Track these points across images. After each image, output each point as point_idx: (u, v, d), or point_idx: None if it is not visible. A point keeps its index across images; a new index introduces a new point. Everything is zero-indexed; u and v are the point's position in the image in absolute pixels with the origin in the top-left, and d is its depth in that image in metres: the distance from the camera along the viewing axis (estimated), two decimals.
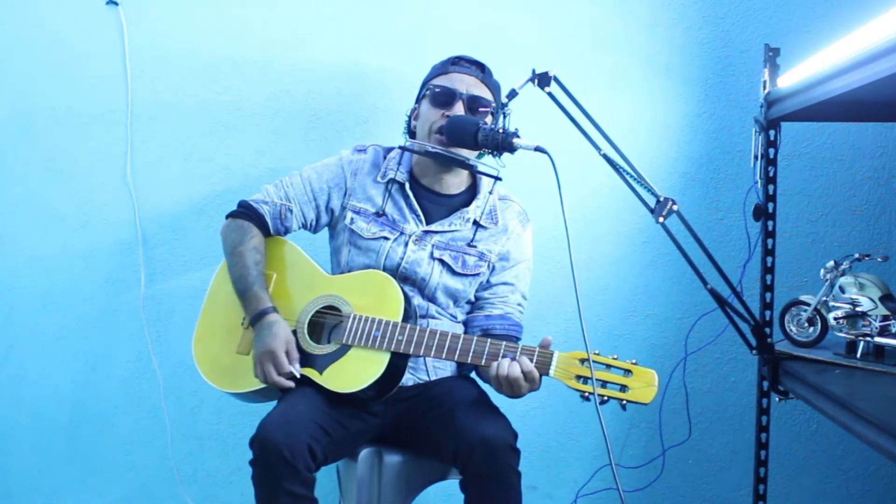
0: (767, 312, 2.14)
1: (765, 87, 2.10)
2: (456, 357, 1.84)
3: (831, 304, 1.98)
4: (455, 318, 2.06)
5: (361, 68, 2.49)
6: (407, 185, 2.04)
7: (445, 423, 1.85)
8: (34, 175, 2.52)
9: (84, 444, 2.56)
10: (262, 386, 1.92)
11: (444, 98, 1.99)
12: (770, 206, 2.12)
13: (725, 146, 2.50)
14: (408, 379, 2.00)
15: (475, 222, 2.04)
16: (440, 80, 2.02)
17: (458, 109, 1.98)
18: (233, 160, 2.50)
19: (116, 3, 2.46)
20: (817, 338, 2.01)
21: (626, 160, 1.81)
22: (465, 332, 2.05)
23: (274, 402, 1.93)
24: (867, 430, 1.55)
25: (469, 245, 2.03)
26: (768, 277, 2.14)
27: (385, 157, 2.09)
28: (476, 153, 2.02)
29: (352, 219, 2.03)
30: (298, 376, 1.88)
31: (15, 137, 2.51)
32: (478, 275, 2.04)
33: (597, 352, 1.74)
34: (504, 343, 1.83)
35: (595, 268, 2.52)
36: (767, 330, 2.09)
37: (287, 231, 2.07)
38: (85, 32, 2.48)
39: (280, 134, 2.50)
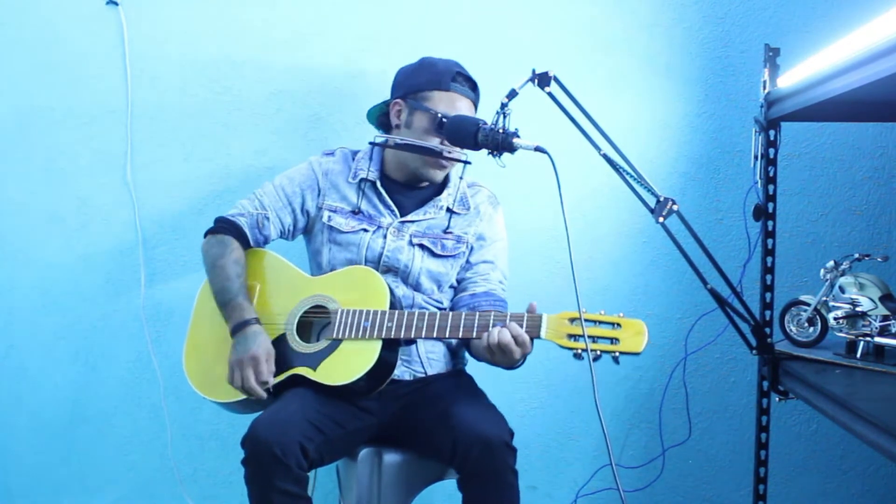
0: (767, 312, 2.14)
1: (765, 87, 2.10)
2: (447, 334, 1.85)
3: (831, 304, 1.98)
4: (441, 303, 2.08)
5: (361, 68, 2.49)
6: (378, 183, 2.06)
7: (442, 421, 1.85)
8: (34, 175, 2.52)
9: (84, 444, 2.56)
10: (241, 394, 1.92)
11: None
12: (770, 206, 2.12)
13: (725, 146, 2.50)
14: (403, 372, 2.01)
15: (448, 209, 2.08)
16: (441, 101, 1.99)
17: None
18: (233, 160, 2.50)
19: (116, 3, 2.46)
20: (817, 338, 2.02)
21: (626, 160, 1.81)
22: None
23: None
24: (867, 430, 1.55)
25: (445, 232, 2.06)
26: (768, 277, 2.14)
27: (353, 158, 2.11)
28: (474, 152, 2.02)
29: (329, 216, 2.05)
30: (272, 389, 1.89)
31: (15, 137, 2.51)
32: (457, 255, 2.06)
33: (584, 310, 1.74)
34: (493, 312, 1.84)
35: (595, 268, 2.52)
36: (767, 330, 2.09)
37: (266, 240, 2.09)
38: (85, 32, 2.48)
39: (280, 134, 2.50)
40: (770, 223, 2.13)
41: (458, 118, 1.93)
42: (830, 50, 1.83)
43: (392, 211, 2.06)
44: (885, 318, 1.88)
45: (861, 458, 2.54)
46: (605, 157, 1.80)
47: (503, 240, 2.14)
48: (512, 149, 1.82)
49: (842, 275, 1.98)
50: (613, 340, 1.75)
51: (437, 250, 2.04)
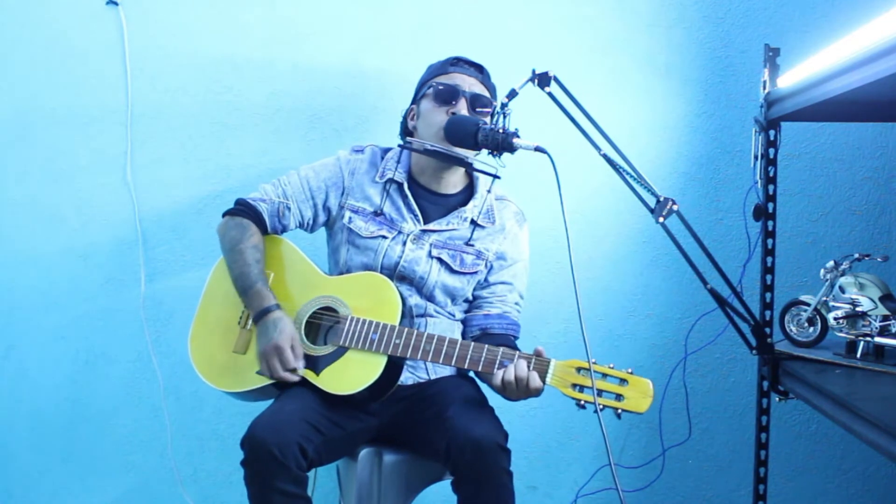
0: (767, 312, 2.14)
1: (765, 87, 2.10)
2: (453, 362, 1.85)
3: (831, 304, 1.98)
4: (453, 315, 2.06)
5: (361, 68, 2.49)
6: (405, 185, 2.04)
7: (437, 423, 1.85)
8: (34, 175, 2.52)
9: (83, 443, 2.56)
10: (258, 385, 1.92)
11: (448, 95, 1.99)
12: (770, 206, 2.12)
13: (725, 146, 2.50)
14: (407, 378, 2.00)
15: (472, 221, 2.05)
16: (442, 79, 2.03)
17: (462, 107, 1.98)
18: (233, 160, 2.50)
19: (116, 3, 2.46)
20: (817, 338, 2.02)
21: (626, 160, 1.81)
22: (464, 331, 2.06)
23: (269, 402, 1.93)
24: (867, 430, 1.55)
25: (467, 244, 2.03)
26: (768, 277, 2.14)
27: (382, 158, 2.09)
28: (475, 153, 2.02)
29: (350, 218, 2.03)
30: (302, 373, 1.88)
31: (15, 137, 2.51)
32: (475, 273, 2.04)
33: (594, 360, 1.75)
34: (502, 349, 1.83)
35: (595, 268, 2.52)
36: (767, 330, 2.09)
37: (284, 229, 2.07)
38: (85, 32, 2.48)
39: (280, 134, 2.50)
40: (770, 223, 2.13)
41: (458, 118, 1.93)
42: (830, 50, 1.83)
43: (415, 216, 2.03)
44: (885, 318, 1.88)
45: (861, 458, 2.54)
46: (605, 157, 1.80)
47: (525, 260, 2.11)
48: (512, 149, 1.81)
49: (842, 275, 1.98)
50: (619, 397, 1.75)
51: (456, 266, 2.02)
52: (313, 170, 2.09)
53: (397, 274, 1.99)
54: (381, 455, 1.95)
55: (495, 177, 1.97)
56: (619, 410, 1.74)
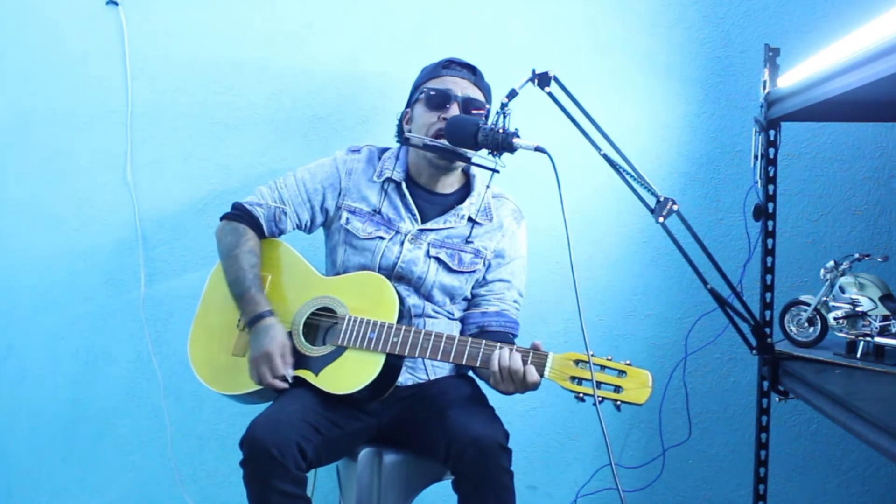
0: (767, 312, 2.14)
1: (765, 87, 2.10)
2: (451, 359, 1.84)
3: (831, 304, 1.98)
4: (452, 314, 2.06)
5: (361, 68, 2.49)
6: (403, 184, 2.04)
7: (437, 422, 1.85)
8: (34, 175, 2.52)
9: (84, 444, 2.56)
10: (256, 388, 1.92)
11: (440, 100, 1.99)
12: (770, 206, 2.12)
13: (725, 146, 2.50)
14: (406, 378, 2.00)
15: (470, 219, 2.05)
16: (434, 84, 2.03)
17: (454, 111, 1.98)
18: (233, 160, 2.50)
19: (116, 3, 2.46)
20: (817, 338, 2.01)
21: (626, 160, 1.81)
22: (462, 329, 2.06)
23: (268, 404, 1.93)
24: (867, 430, 1.55)
25: (465, 242, 2.03)
26: (768, 277, 2.14)
27: (380, 157, 2.09)
28: (475, 152, 2.01)
29: (347, 219, 2.03)
30: (291, 380, 1.89)
31: (15, 137, 2.51)
32: (474, 272, 2.05)
33: (592, 353, 1.75)
34: (499, 344, 1.83)
35: (595, 268, 2.52)
36: (767, 330, 2.09)
37: (281, 233, 2.08)
38: (85, 32, 2.48)
39: (280, 134, 2.50)
40: (770, 223, 2.13)
41: (458, 118, 1.92)
42: (830, 50, 1.83)
43: (413, 215, 2.03)
44: (885, 318, 1.88)
45: (861, 458, 2.54)
46: (605, 157, 1.80)
47: (523, 257, 2.11)
48: (512, 149, 1.81)
49: (842, 275, 1.98)
50: (617, 388, 1.75)
51: (454, 265, 2.02)
52: (309, 171, 2.08)
53: (395, 274, 1.99)
54: (381, 455, 1.95)
55: (495, 171, 1.97)
56: (619, 402, 1.74)
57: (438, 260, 2.01)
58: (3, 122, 2.51)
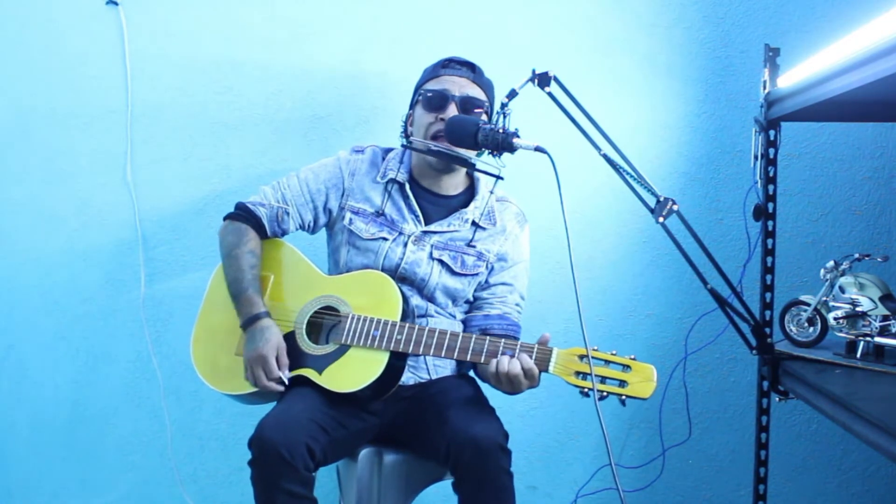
0: (767, 312, 2.14)
1: (765, 87, 2.10)
2: (455, 355, 1.84)
3: (831, 304, 1.98)
4: (454, 316, 2.06)
5: (361, 68, 2.49)
6: (407, 186, 2.04)
7: (437, 423, 1.85)
8: (34, 175, 2.52)
9: (84, 444, 2.56)
10: (257, 388, 1.92)
11: (437, 101, 1.99)
12: (770, 206, 2.12)
13: (725, 146, 2.50)
14: (408, 378, 2.00)
15: (473, 223, 2.05)
16: (432, 85, 2.02)
17: (452, 111, 1.97)
18: (233, 160, 2.50)
19: (116, 3, 2.46)
20: (817, 338, 2.01)
21: (626, 160, 1.81)
22: (464, 331, 2.05)
23: (273, 403, 1.93)
24: (867, 430, 1.55)
25: (468, 245, 2.03)
26: (768, 277, 2.14)
27: (384, 158, 2.09)
28: (475, 153, 2.01)
29: (350, 219, 2.03)
30: (287, 382, 1.88)
31: (15, 137, 2.51)
32: (476, 275, 2.04)
33: (595, 348, 1.75)
34: (503, 340, 1.83)
35: (595, 268, 2.52)
36: (767, 330, 2.09)
37: (284, 233, 2.07)
38: (85, 32, 2.48)
39: (280, 134, 2.50)
40: (770, 223, 2.13)
41: (458, 118, 1.92)
42: (830, 50, 1.83)
43: (416, 217, 2.03)
44: (885, 318, 1.88)
45: (861, 458, 2.54)
46: (605, 157, 1.80)
47: (525, 261, 2.11)
48: (512, 149, 1.81)
49: (842, 275, 1.98)
50: (622, 383, 1.74)
51: (457, 267, 2.02)
52: (313, 171, 2.08)
53: (398, 275, 1.99)
54: (382, 455, 1.95)
55: (498, 177, 1.96)
56: (624, 397, 1.73)
57: (441, 262, 2.01)
58: (3, 122, 2.51)
